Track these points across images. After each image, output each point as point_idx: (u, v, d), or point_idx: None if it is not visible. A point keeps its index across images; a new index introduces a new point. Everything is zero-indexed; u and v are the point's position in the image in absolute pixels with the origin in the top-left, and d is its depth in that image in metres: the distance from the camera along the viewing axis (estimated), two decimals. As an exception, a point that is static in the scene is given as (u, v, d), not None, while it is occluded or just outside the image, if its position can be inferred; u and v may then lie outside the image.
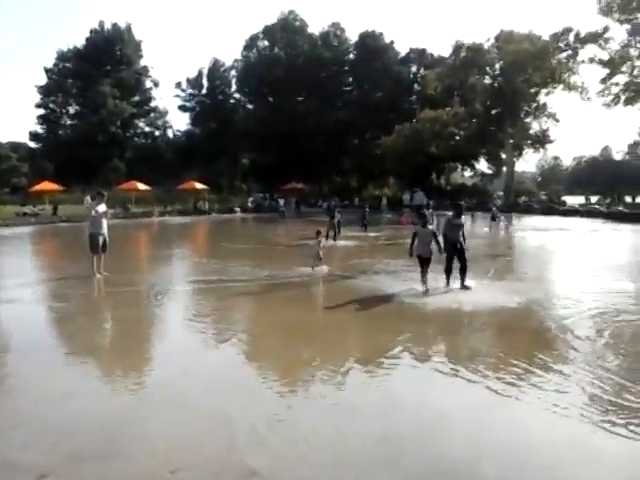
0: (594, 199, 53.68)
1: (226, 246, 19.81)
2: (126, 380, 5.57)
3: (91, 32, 63.19)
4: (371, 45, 62.26)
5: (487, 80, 53.36)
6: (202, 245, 22.73)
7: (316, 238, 13.12)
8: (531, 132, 52.81)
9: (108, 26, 63.35)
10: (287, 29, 64.49)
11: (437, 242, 10.09)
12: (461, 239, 10.25)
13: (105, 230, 12.04)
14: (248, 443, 4.12)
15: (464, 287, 9.97)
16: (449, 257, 10.16)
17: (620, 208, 41.25)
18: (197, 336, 7.37)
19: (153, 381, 5.55)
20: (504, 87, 48.51)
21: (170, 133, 70.18)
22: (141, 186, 43.81)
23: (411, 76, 65.06)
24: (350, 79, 65.70)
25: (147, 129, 68.44)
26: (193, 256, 17.49)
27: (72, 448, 4.07)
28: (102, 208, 12.13)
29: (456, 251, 10.15)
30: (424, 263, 10.11)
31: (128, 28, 63.96)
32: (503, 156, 53.26)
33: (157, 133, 68.86)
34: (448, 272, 10.18)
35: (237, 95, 69.27)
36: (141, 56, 65.73)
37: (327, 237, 18.57)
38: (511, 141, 50.12)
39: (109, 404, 4.94)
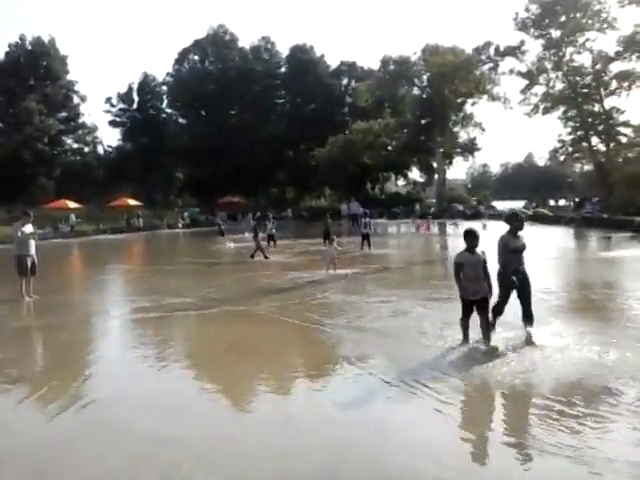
0: (521, 203, 56.16)
1: (164, 265, 19.54)
2: (57, 408, 5.36)
3: (10, 46, 60.68)
4: (302, 58, 63.02)
5: (416, 91, 55.33)
6: (136, 264, 22.26)
7: (331, 244, 14.33)
8: (460, 141, 55.09)
9: (29, 40, 61.08)
10: (217, 43, 64.39)
11: (487, 276, 6.77)
12: (524, 267, 7.07)
13: (33, 251, 11.70)
14: (192, 465, 4.03)
15: (530, 342, 6.74)
16: (505, 294, 6.99)
17: (544, 211, 43.56)
18: (133, 358, 7.33)
19: (87, 407, 5.38)
20: (432, 98, 50.43)
21: (100, 149, 68.22)
22: (72, 204, 42.45)
23: (342, 88, 66.28)
24: (282, 92, 66.21)
25: (76, 145, 66.13)
26: (126, 276, 17.18)
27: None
28: (29, 229, 11.79)
29: (517, 286, 6.89)
30: (473, 308, 6.78)
31: (52, 42, 61.78)
32: (434, 164, 55.11)
33: (87, 149, 66.68)
34: (497, 313, 7.08)
35: (169, 110, 68.40)
36: (68, 71, 63.55)
37: (253, 256, 18.23)
38: (441, 150, 51.99)
39: (39, 434, 4.81)
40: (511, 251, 6.90)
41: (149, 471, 3.98)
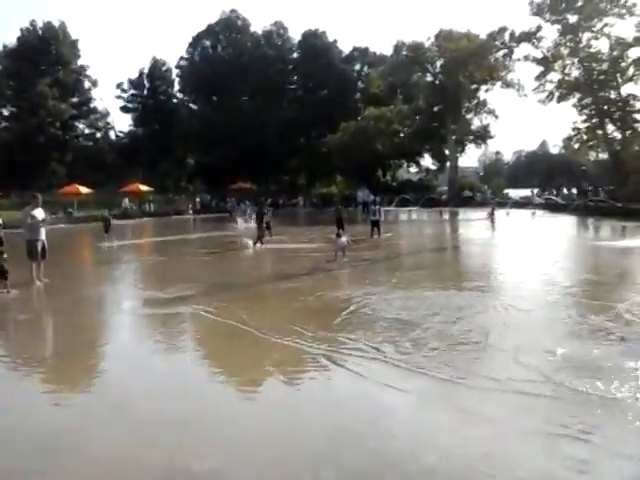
0: (534, 191, 55.45)
1: (171, 249, 19.52)
2: (68, 391, 5.48)
3: (22, 31, 60.75)
4: (314, 44, 62.49)
5: (429, 78, 54.60)
6: (145, 249, 22.24)
7: (339, 238, 14.33)
8: (472, 128, 54.40)
9: (40, 25, 61.04)
10: (230, 28, 64.05)
11: None
12: None
13: (44, 236, 11.72)
14: (193, 448, 4.05)
15: None
16: None
17: (556, 199, 43.17)
18: (140, 343, 7.32)
19: (95, 390, 5.48)
20: (445, 84, 49.81)
21: (112, 134, 68.42)
22: (83, 189, 42.65)
23: (355, 74, 65.70)
24: (295, 77, 65.78)
25: (88, 130, 66.41)
26: (137, 261, 17.22)
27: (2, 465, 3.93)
28: (40, 214, 11.79)
29: None
30: None
31: (62, 26, 61.75)
32: (446, 152, 54.54)
33: (98, 135, 66.91)
34: None
35: (180, 95, 68.29)
36: (78, 55, 63.60)
37: (257, 242, 17.82)
38: (454, 137, 51.42)
39: (47, 416, 4.83)
40: None
41: (150, 452, 3.94)
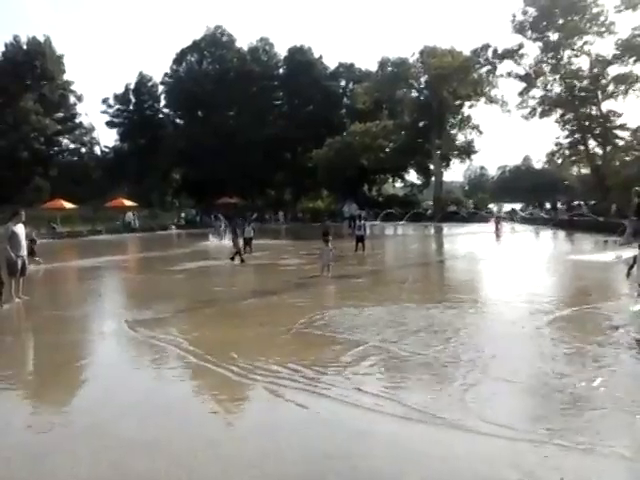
0: (518, 206, 55.99)
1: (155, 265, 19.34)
2: (42, 413, 5.33)
3: (6, 46, 60.66)
4: (300, 60, 62.98)
5: (414, 93, 55.27)
6: (131, 266, 22.07)
7: (326, 245, 13.78)
8: (457, 143, 55.01)
9: (24, 40, 60.97)
10: (215, 44, 64.43)
11: None
12: None
13: (25, 252, 11.55)
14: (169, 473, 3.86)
15: None
16: None
17: (541, 214, 43.66)
18: (120, 361, 7.21)
19: (70, 412, 5.34)
20: (430, 100, 50.41)
21: (98, 150, 68.19)
22: (67, 204, 42.32)
23: (340, 90, 66.24)
24: (280, 93, 66.16)
25: (72, 146, 66.15)
26: (120, 277, 17.07)
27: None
28: (21, 228, 11.63)
29: None
30: None
31: (48, 41, 61.70)
32: (431, 167, 55.00)
33: (84, 150, 66.69)
34: None
35: (166, 110, 68.34)
36: (64, 71, 63.51)
37: (233, 257, 17.65)
38: (438, 152, 51.91)
39: (17, 438, 4.64)
40: None
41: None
